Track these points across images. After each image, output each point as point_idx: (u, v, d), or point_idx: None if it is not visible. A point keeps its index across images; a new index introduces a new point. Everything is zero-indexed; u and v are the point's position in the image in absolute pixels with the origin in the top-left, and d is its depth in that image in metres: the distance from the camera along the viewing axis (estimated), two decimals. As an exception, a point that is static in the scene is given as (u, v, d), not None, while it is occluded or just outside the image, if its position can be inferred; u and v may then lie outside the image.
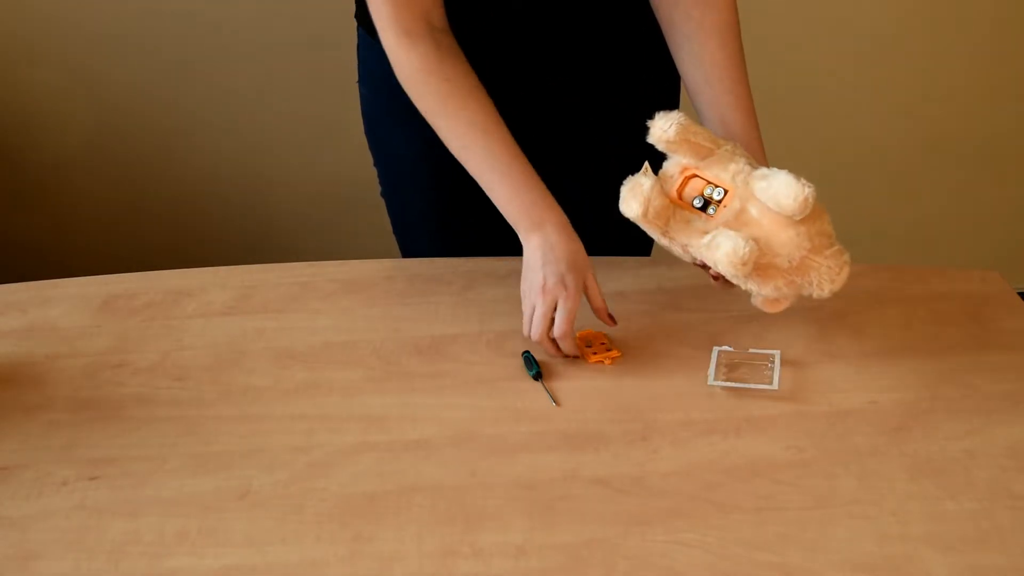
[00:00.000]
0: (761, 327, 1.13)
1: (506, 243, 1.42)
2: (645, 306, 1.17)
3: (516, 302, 1.19)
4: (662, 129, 1.06)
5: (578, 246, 1.08)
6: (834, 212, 1.04)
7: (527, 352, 1.10)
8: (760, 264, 1.02)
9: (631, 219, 1.06)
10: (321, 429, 1.02)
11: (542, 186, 1.09)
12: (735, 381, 1.05)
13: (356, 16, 1.27)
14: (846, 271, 1.03)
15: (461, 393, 1.06)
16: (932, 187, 2.29)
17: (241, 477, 0.96)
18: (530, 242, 1.08)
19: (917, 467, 0.95)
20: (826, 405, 1.03)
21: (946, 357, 1.09)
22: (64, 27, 1.96)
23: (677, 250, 1.07)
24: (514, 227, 1.10)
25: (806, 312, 1.14)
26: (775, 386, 1.03)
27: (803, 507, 0.91)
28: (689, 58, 1.14)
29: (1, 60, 2.00)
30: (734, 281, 1.04)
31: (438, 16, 1.10)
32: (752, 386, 1.04)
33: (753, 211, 1.02)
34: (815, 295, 1.03)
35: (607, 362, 1.09)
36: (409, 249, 1.41)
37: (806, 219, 1.01)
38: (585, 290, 1.08)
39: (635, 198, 1.04)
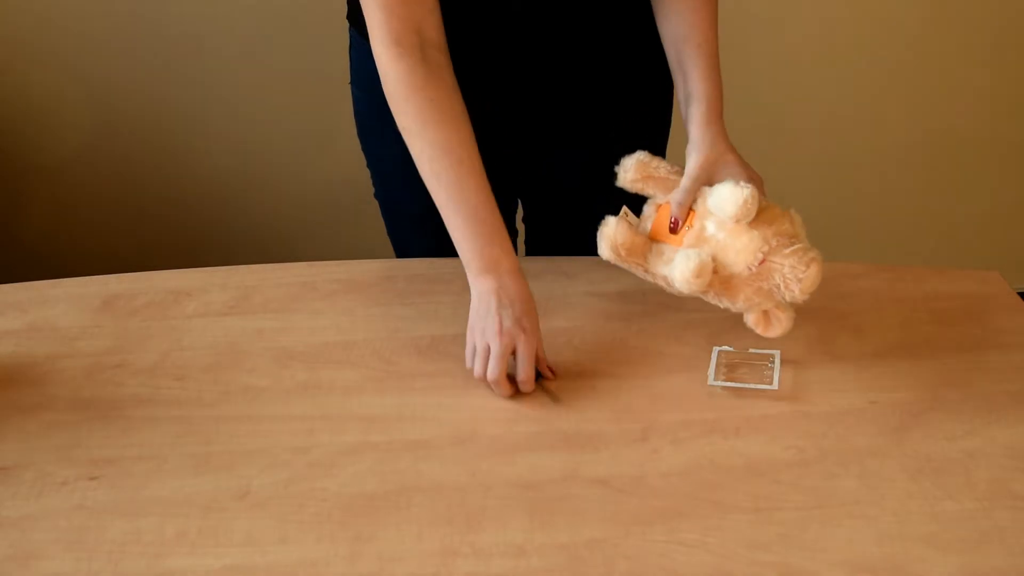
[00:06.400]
0: (761, 327, 1.13)
1: None
2: (645, 306, 1.17)
3: (516, 302, 1.19)
4: (623, 171, 1.09)
5: (530, 294, 1.06)
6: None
7: (527, 352, 1.10)
8: (723, 277, 1.02)
9: (610, 262, 1.07)
10: (321, 429, 1.02)
11: (503, 228, 1.06)
12: (735, 381, 1.05)
13: (348, 17, 1.27)
14: (815, 268, 1.00)
15: (461, 393, 1.06)
16: (932, 187, 2.29)
17: (241, 477, 0.96)
18: (482, 284, 1.05)
19: (917, 467, 0.95)
20: (826, 405, 1.03)
21: (946, 357, 1.09)
22: (64, 28, 1.96)
23: (661, 283, 1.08)
24: (465, 264, 1.06)
25: (806, 312, 1.14)
26: (775, 386, 1.03)
27: (803, 507, 0.91)
28: (660, 18, 1.15)
29: (0, 60, 2.00)
30: (705, 299, 1.05)
31: (433, 27, 1.07)
32: (752, 386, 1.04)
33: (710, 227, 1.03)
34: (788, 299, 1.02)
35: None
36: (403, 250, 1.40)
37: (760, 223, 1.01)
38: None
39: (602, 239, 1.07)
